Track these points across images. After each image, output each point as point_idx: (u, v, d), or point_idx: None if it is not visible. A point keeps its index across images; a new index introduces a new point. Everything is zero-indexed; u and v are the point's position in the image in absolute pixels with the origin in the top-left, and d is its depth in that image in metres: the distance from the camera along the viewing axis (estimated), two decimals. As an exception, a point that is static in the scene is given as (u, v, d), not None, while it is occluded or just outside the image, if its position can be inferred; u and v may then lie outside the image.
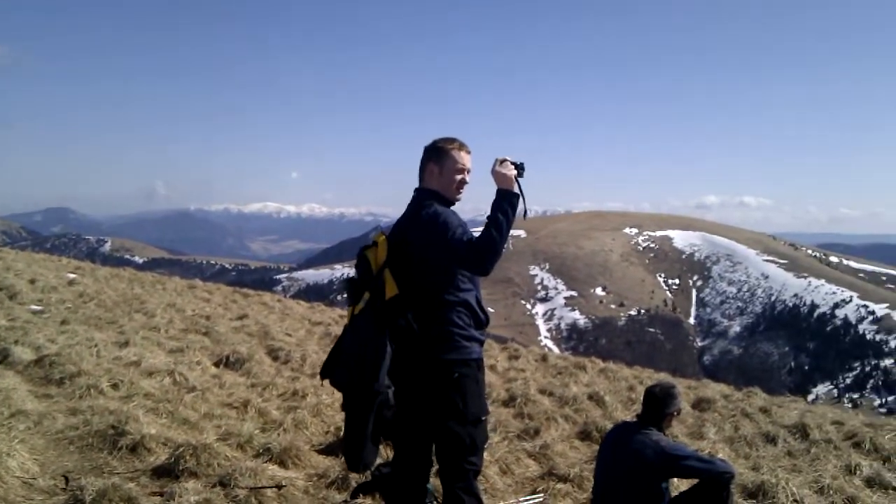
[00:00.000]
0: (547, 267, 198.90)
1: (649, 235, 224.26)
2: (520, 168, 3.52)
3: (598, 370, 13.01)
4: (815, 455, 7.96)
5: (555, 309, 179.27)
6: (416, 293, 3.51)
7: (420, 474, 3.70)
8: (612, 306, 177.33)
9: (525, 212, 3.56)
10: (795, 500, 5.79)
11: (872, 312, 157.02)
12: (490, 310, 3.74)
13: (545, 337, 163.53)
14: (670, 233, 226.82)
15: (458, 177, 3.64)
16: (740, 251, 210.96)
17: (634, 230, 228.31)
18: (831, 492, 6.21)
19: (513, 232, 3.61)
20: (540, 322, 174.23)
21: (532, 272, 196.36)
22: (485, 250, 3.31)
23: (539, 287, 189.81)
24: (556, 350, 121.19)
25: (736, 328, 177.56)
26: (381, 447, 4.79)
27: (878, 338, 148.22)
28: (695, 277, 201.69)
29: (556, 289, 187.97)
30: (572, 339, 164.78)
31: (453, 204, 3.69)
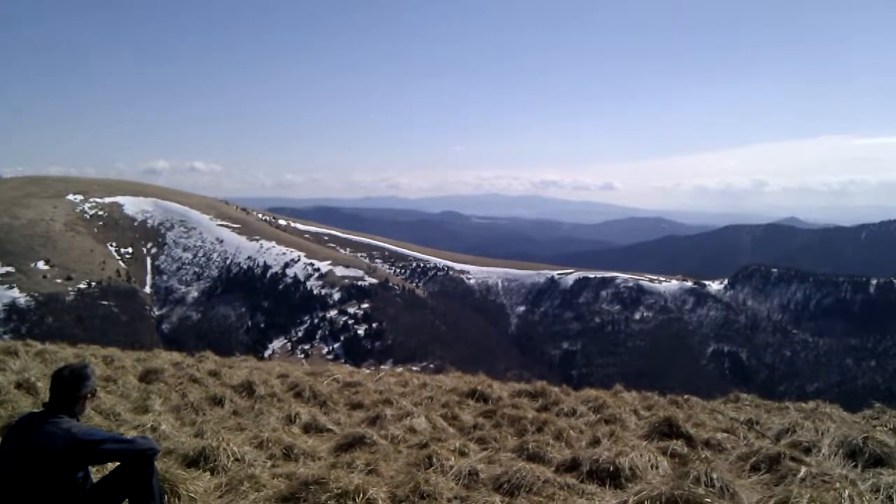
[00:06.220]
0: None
1: (97, 202, 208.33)
2: None
3: (34, 353, 12.22)
4: (259, 410, 8.61)
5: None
6: None
7: None
8: (58, 281, 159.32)
9: None
10: (237, 459, 6.08)
11: (318, 269, 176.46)
12: None
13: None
14: (120, 199, 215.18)
15: None
16: (194, 217, 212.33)
17: (80, 197, 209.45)
18: (270, 444, 6.67)
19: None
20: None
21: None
22: None
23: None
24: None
25: (194, 293, 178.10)
26: None
27: (323, 292, 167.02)
28: (149, 245, 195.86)
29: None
30: (12, 320, 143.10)
31: None
